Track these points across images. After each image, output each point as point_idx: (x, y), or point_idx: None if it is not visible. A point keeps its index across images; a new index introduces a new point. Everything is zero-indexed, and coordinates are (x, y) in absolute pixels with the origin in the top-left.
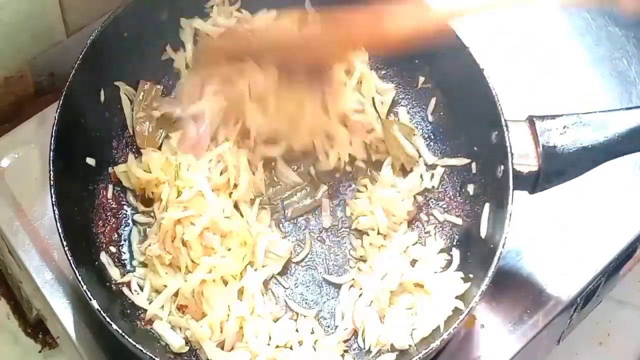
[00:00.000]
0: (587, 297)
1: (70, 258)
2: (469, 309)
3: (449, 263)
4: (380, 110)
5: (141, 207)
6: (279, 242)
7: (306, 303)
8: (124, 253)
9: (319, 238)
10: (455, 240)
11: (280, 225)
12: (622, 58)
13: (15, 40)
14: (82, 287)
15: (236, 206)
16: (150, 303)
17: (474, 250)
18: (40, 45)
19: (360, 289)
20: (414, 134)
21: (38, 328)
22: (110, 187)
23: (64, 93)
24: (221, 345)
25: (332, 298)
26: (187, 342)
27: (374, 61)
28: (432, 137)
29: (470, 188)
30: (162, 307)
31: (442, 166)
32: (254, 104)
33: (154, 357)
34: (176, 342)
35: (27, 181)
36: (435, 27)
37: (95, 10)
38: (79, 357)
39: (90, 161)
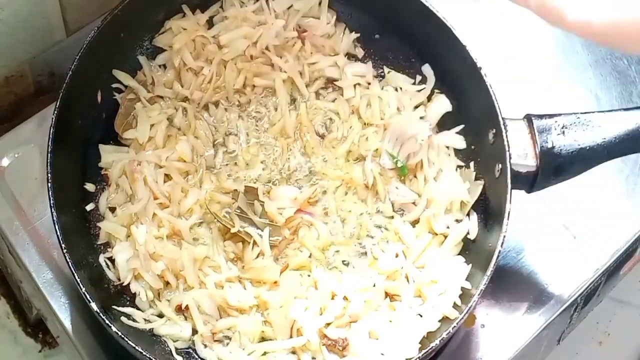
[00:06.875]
0: (588, 296)
1: (68, 260)
2: (469, 308)
3: None
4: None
5: None
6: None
7: None
8: None
9: None
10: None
11: None
12: (622, 58)
13: (16, 39)
14: (81, 289)
15: None
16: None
17: (472, 250)
18: (40, 45)
19: None
20: None
21: (38, 328)
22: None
23: (60, 95)
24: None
25: None
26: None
27: (371, 60)
28: None
29: None
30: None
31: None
32: None
33: (153, 358)
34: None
35: (27, 181)
36: None
37: (96, 10)
38: (79, 357)
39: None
